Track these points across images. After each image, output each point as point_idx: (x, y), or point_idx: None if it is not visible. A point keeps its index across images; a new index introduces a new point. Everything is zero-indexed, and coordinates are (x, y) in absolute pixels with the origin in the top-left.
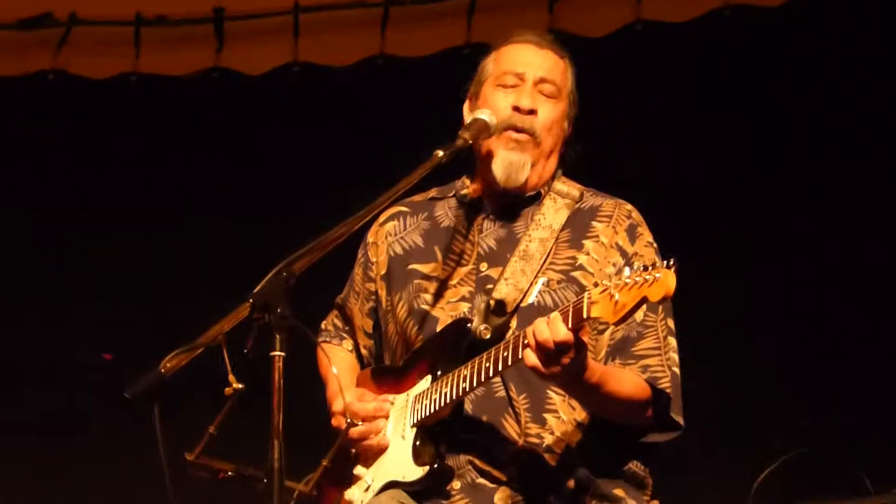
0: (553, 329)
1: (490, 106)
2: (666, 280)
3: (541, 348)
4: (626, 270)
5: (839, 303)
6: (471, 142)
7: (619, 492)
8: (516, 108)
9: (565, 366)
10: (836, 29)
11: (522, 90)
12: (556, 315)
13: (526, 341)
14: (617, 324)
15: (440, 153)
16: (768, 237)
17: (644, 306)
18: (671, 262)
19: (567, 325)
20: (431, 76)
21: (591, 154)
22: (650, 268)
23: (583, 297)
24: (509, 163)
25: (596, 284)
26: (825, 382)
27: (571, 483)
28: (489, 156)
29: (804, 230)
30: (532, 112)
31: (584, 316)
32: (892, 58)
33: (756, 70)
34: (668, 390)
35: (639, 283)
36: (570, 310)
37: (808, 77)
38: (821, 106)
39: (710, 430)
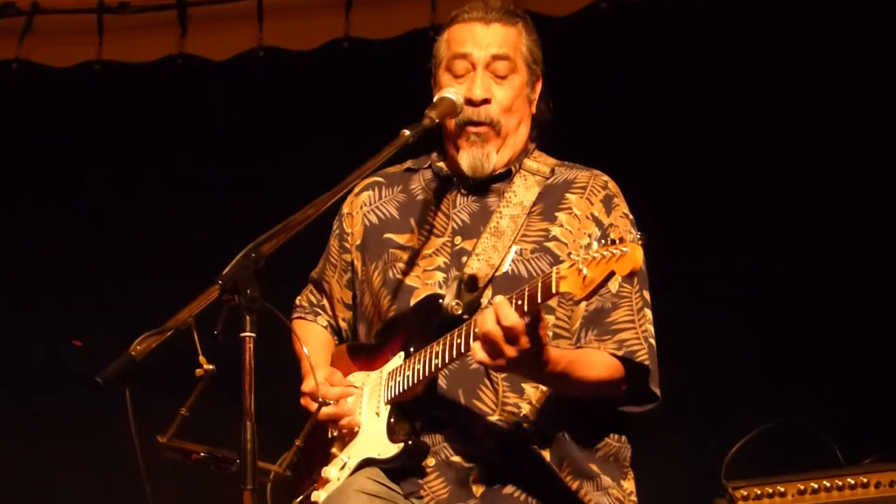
0: (502, 314)
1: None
2: (633, 254)
3: (486, 340)
4: (594, 245)
5: (812, 278)
6: (437, 121)
7: (594, 466)
8: (469, 101)
9: (515, 358)
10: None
11: (473, 79)
12: (502, 299)
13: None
14: (585, 298)
15: (407, 133)
16: (741, 214)
17: (619, 278)
18: (639, 236)
19: (523, 308)
20: (397, 58)
21: (558, 129)
22: (618, 241)
23: (551, 273)
24: (473, 157)
25: (570, 255)
26: (797, 357)
27: (548, 455)
28: (454, 150)
29: (777, 208)
30: (486, 101)
31: (553, 291)
32: None
33: (721, 47)
34: (646, 362)
35: (606, 258)
36: (539, 284)
37: (768, 54)
38: (787, 78)
39: (683, 403)
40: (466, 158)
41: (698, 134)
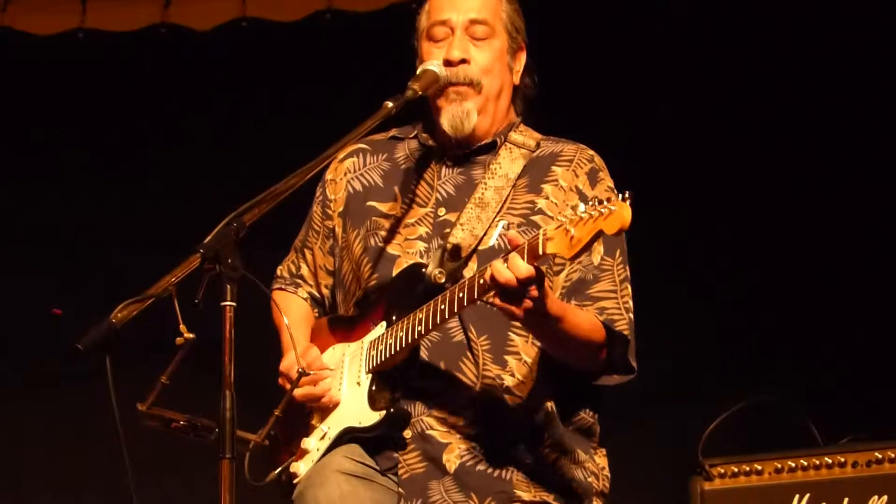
0: (513, 266)
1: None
2: (621, 212)
3: (504, 289)
4: (581, 205)
5: (791, 256)
6: (420, 93)
7: (568, 440)
8: (447, 63)
9: (535, 299)
10: None
11: (451, 41)
12: (513, 254)
13: (482, 281)
14: (573, 259)
15: (390, 104)
16: (720, 193)
17: (601, 249)
18: (626, 195)
19: (524, 260)
20: (379, 31)
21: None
22: (605, 201)
23: (538, 234)
24: (452, 115)
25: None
26: (776, 336)
27: (527, 426)
28: (437, 112)
29: (756, 187)
30: (463, 61)
31: (540, 252)
32: None
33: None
34: (625, 332)
35: (594, 217)
36: (526, 247)
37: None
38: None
39: (660, 381)
40: (446, 116)
41: (685, 108)
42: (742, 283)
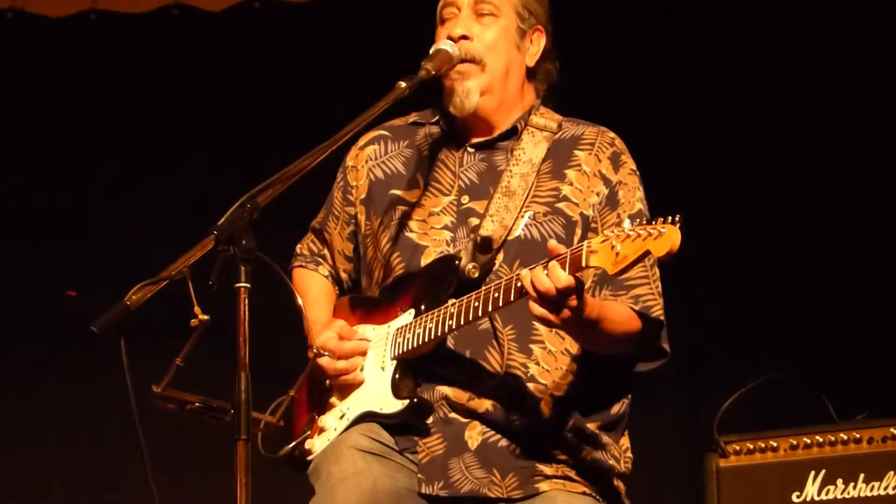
0: (553, 276)
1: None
2: (671, 235)
3: (543, 297)
4: (627, 222)
5: (808, 232)
6: (433, 73)
7: (594, 426)
8: (449, 39)
9: (573, 309)
10: None
11: (456, 19)
12: (553, 263)
13: (519, 284)
14: (617, 275)
15: (402, 84)
16: (740, 167)
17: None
18: (676, 219)
19: (565, 271)
20: (392, 10)
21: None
22: (654, 221)
23: (581, 246)
24: (454, 92)
25: (583, 216)
26: (792, 312)
27: (550, 414)
28: (444, 93)
29: (771, 167)
30: (464, 38)
31: (583, 265)
32: None
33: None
34: (661, 317)
35: (642, 236)
36: (568, 258)
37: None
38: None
39: (675, 358)
40: (449, 95)
41: (700, 89)
42: (757, 260)
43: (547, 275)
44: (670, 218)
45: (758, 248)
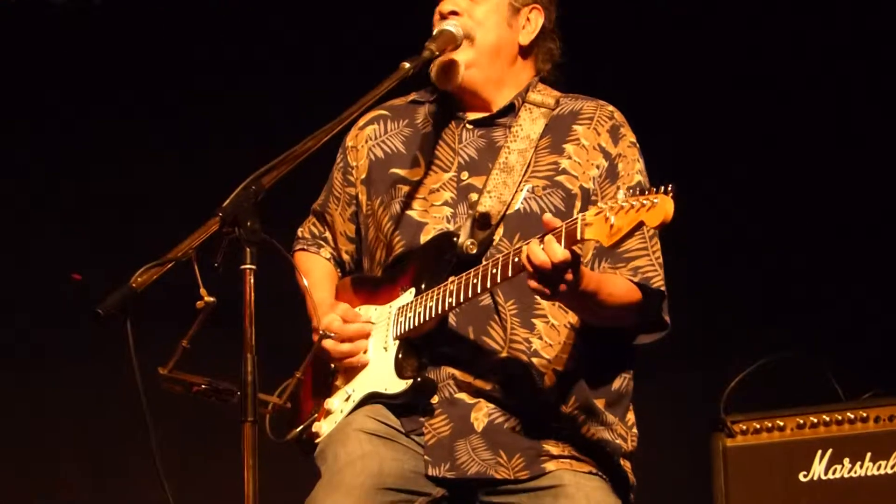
0: (550, 251)
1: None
2: (664, 206)
3: (539, 271)
4: (621, 194)
5: (813, 212)
6: (437, 53)
7: (599, 403)
8: (440, 16)
9: (569, 282)
10: None
11: None
12: (549, 237)
13: (517, 259)
14: (612, 247)
15: (406, 65)
16: (743, 156)
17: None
18: (668, 188)
19: (561, 244)
20: None
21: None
22: (647, 192)
23: (576, 219)
24: (438, 64)
25: (583, 189)
26: (798, 291)
27: (555, 390)
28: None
29: (777, 152)
30: (454, 13)
31: (578, 238)
32: None
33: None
34: (662, 288)
35: (636, 207)
36: (563, 231)
37: None
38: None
39: (681, 338)
40: (434, 67)
41: (699, 78)
42: (764, 239)
43: (543, 249)
44: (663, 188)
45: (765, 228)
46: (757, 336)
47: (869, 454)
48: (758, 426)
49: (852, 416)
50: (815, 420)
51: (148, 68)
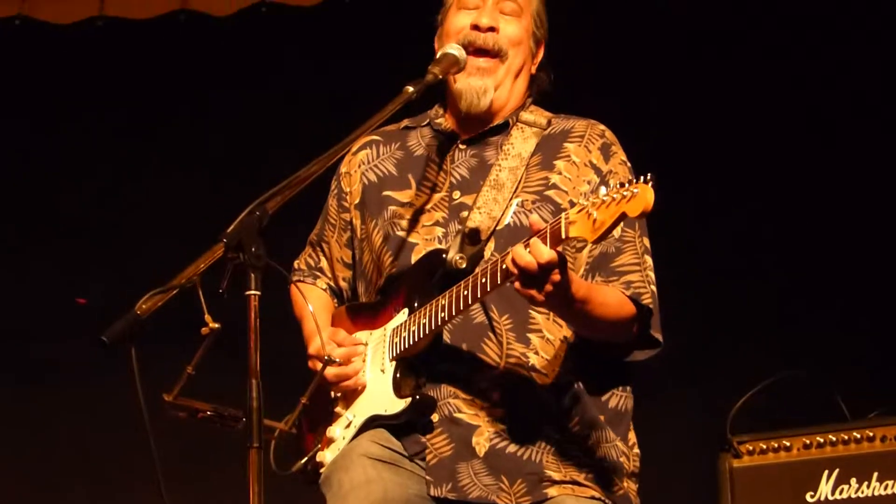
0: (535, 251)
1: (451, 27)
2: (644, 195)
3: (525, 273)
4: (602, 189)
5: (819, 231)
6: (441, 76)
7: (602, 418)
8: (475, 27)
9: (556, 284)
10: None
11: (483, 9)
12: (534, 239)
13: (504, 266)
14: (596, 242)
15: (410, 89)
16: (748, 169)
17: (621, 223)
18: (648, 178)
19: (546, 245)
20: (401, 11)
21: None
22: (627, 184)
23: (560, 218)
24: (470, 87)
25: (572, 204)
26: (803, 311)
27: (556, 404)
28: (454, 88)
29: (782, 166)
30: (492, 29)
31: (563, 236)
32: None
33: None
34: (650, 306)
35: (616, 200)
36: (548, 231)
37: None
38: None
39: (689, 355)
40: (464, 89)
41: (695, 91)
42: (769, 258)
43: (529, 251)
44: (643, 178)
45: (771, 247)
46: (763, 356)
47: (876, 474)
48: (764, 446)
49: (859, 436)
50: (822, 440)
51: (150, 89)
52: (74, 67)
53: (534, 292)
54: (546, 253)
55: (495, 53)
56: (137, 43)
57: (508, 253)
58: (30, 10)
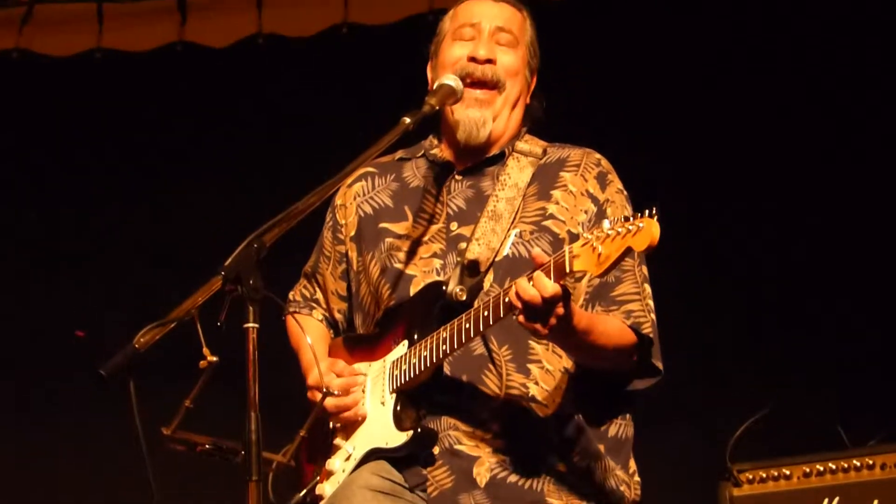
0: (539, 285)
1: (447, 59)
2: (650, 229)
3: (529, 307)
4: (606, 223)
5: (816, 260)
6: (437, 107)
7: (601, 447)
8: (472, 59)
9: (560, 317)
10: None
11: (479, 41)
12: (538, 272)
13: (507, 299)
14: (601, 276)
15: (407, 120)
16: (743, 199)
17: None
18: (653, 211)
19: (550, 279)
20: (396, 44)
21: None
22: (631, 218)
23: (564, 252)
24: (469, 119)
25: (570, 233)
26: (802, 339)
27: (556, 434)
28: (451, 119)
29: (776, 188)
30: (489, 61)
31: (567, 270)
32: None
33: (713, 33)
34: (650, 335)
35: (622, 234)
36: (552, 265)
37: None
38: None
39: (690, 384)
40: (463, 120)
41: (690, 117)
42: (769, 287)
43: (532, 284)
44: (647, 212)
45: (770, 276)
46: (762, 384)
47: (876, 501)
48: (764, 475)
49: (858, 464)
50: (822, 468)
51: (148, 120)
52: (72, 100)
53: (538, 326)
54: (550, 287)
55: (493, 85)
56: (135, 75)
57: (511, 286)
58: (27, 43)
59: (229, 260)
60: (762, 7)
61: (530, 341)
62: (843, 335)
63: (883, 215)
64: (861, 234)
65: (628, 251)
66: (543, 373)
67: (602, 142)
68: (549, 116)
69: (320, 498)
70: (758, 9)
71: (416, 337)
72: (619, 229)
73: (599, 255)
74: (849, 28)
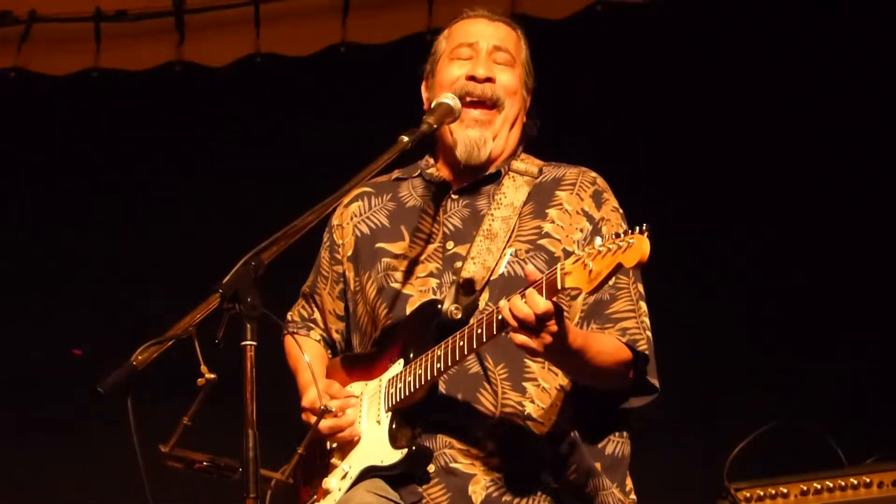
0: (532, 302)
1: (444, 78)
2: (640, 245)
3: (522, 324)
4: (598, 240)
5: (814, 278)
6: (436, 126)
7: (598, 465)
8: (472, 78)
9: (553, 334)
10: None
11: (477, 60)
12: (531, 290)
13: (500, 317)
14: (592, 292)
15: (405, 138)
16: (742, 214)
17: None
18: (643, 228)
19: (543, 296)
20: (394, 63)
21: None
22: (622, 234)
23: (555, 269)
24: (468, 139)
25: (566, 252)
26: (800, 357)
27: (552, 452)
28: (450, 139)
29: (780, 202)
30: (489, 80)
31: (559, 287)
32: None
33: (714, 48)
34: (646, 352)
35: (612, 250)
36: (544, 282)
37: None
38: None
39: (685, 403)
40: (462, 141)
41: (692, 133)
42: (764, 304)
43: (525, 302)
44: (638, 228)
45: (768, 296)
46: (760, 402)
47: None
48: (761, 493)
49: (855, 482)
50: (819, 486)
51: (146, 139)
52: (70, 119)
53: (532, 344)
54: (542, 304)
55: (492, 104)
56: (133, 94)
57: (504, 304)
58: (25, 62)
59: (227, 278)
60: (761, 19)
61: (526, 359)
62: (840, 354)
63: (885, 232)
64: (861, 254)
65: (619, 267)
66: (539, 391)
67: (597, 158)
68: (547, 133)
69: None
70: (757, 24)
71: (411, 355)
72: (610, 246)
73: (590, 271)
74: (845, 46)
